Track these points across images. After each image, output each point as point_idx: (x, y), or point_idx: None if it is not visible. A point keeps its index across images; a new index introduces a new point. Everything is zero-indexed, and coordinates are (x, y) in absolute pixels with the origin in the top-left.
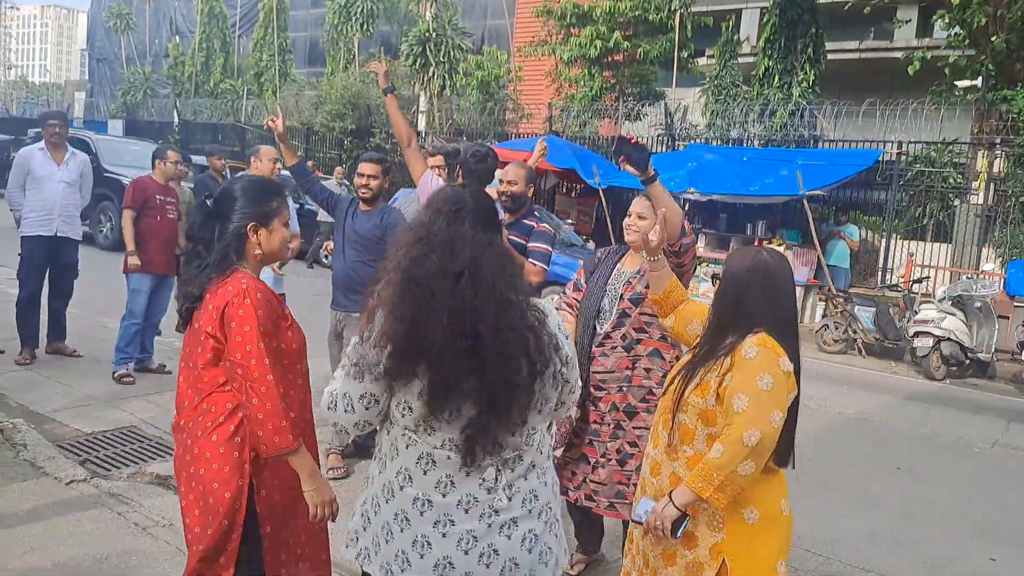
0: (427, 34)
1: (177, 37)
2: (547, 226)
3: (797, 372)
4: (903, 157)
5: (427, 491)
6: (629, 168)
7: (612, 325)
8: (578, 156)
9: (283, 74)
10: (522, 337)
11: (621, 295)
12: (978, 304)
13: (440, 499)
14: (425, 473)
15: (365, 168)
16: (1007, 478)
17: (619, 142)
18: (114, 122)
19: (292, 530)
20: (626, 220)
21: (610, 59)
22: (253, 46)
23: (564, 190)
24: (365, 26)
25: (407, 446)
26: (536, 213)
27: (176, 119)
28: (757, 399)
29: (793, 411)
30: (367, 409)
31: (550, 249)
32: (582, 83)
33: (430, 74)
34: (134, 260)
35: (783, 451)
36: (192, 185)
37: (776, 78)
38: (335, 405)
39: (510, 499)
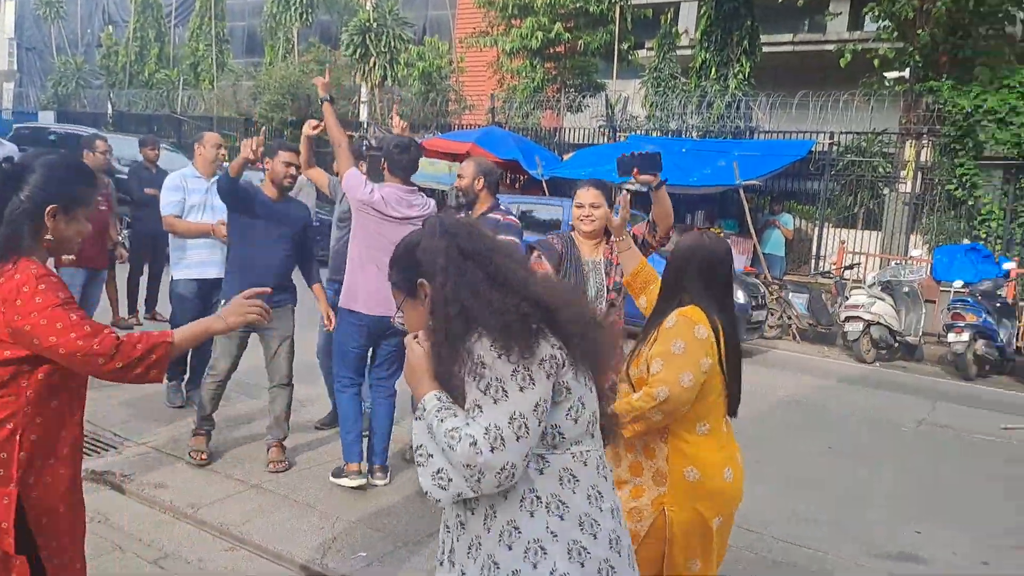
0: (367, 24)
1: (110, 26)
2: (513, 218)
3: (735, 335)
4: (835, 147)
5: (612, 497)
6: (642, 179)
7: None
8: (521, 147)
9: (220, 64)
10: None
11: (607, 287)
12: (906, 289)
13: (615, 500)
14: (607, 479)
15: (290, 157)
16: (933, 455)
17: (621, 160)
18: (45, 113)
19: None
20: (577, 212)
21: (552, 51)
22: (189, 36)
23: (508, 181)
24: (304, 15)
25: (585, 463)
26: (502, 207)
27: (110, 110)
28: (669, 361)
29: (736, 367)
30: (540, 423)
31: (518, 242)
32: (524, 74)
33: (371, 64)
34: (68, 255)
35: (732, 403)
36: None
37: (713, 70)
38: (499, 441)
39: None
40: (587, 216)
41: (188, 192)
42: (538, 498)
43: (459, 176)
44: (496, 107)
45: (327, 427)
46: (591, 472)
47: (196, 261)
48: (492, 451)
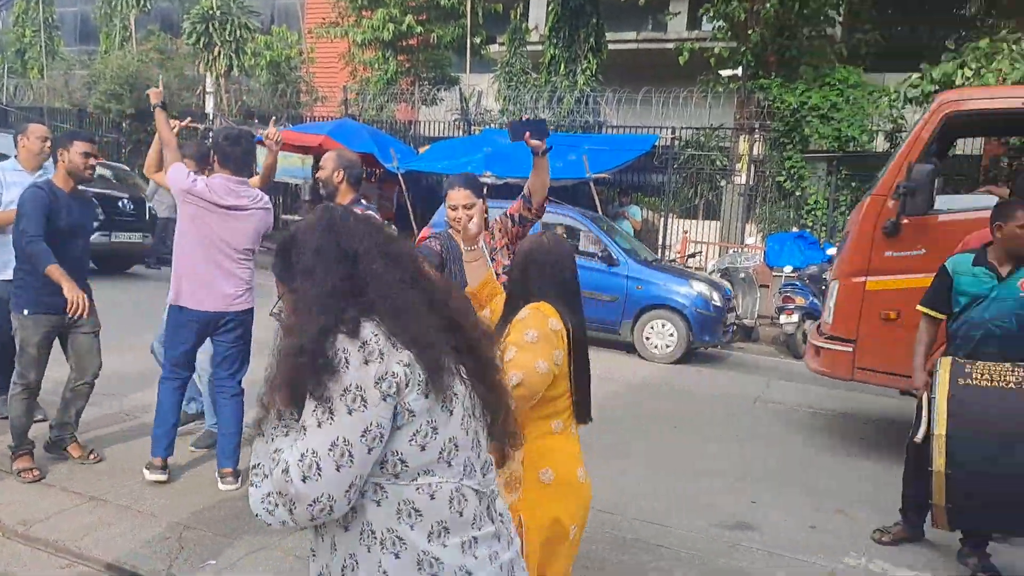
0: (210, 12)
1: None
2: (372, 213)
3: (583, 336)
4: (677, 142)
5: (468, 531)
6: (533, 143)
7: None
8: (376, 140)
9: (50, 52)
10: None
11: (495, 272)
12: (742, 275)
13: (479, 532)
14: (462, 514)
15: (88, 147)
16: (767, 429)
17: (513, 125)
18: None
19: None
20: (451, 213)
21: (404, 43)
22: (14, 21)
23: (364, 175)
24: (141, 1)
25: (433, 496)
26: (363, 201)
27: None
28: (522, 348)
29: (584, 370)
30: (371, 451)
31: None
32: (377, 66)
33: (215, 54)
34: None
35: (583, 409)
36: None
37: (562, 66)
38: (314, 470)
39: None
40: (459, 219)
41: (6, 186)
42: (373, 533)
43: (320, 167)
44: (349, 99)
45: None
46: (440, 506)
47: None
48: (304, 481)
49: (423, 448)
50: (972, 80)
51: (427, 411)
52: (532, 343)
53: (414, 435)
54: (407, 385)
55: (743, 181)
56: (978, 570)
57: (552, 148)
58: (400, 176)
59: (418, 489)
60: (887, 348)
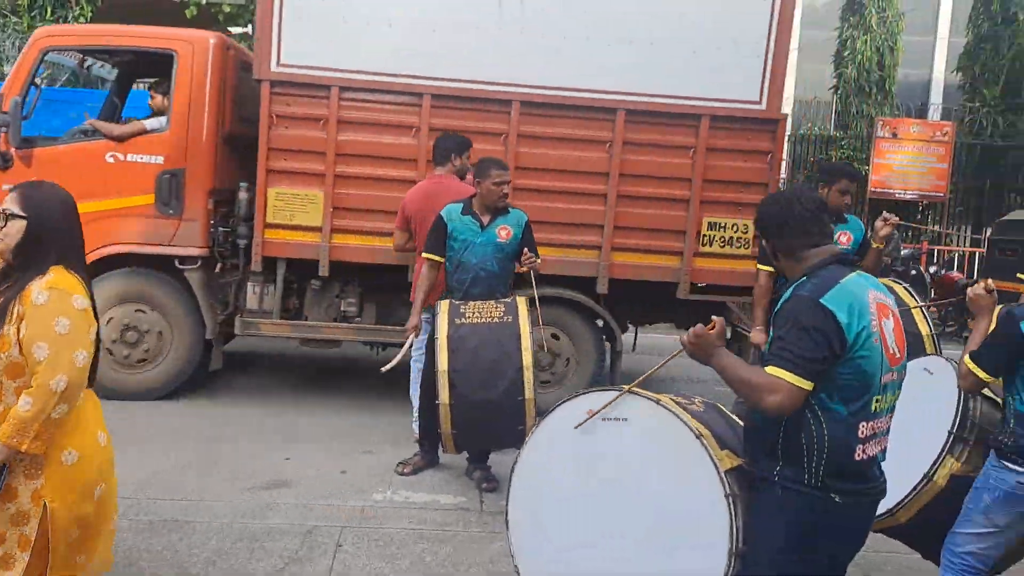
0: None
1: None
2: None
3: (94, 304)
4: None
5: None
6: None
7: None
8: None
9: None
10: None
11: None
12: None
13: None
14: None
15: None
16: (305, 384)
17: None
18: None
19: None
20: None
21: None
22: None
23: None
24: None
25: None
26: None
27: None
28: (57, 345)
29: (99, 340)
30: None
31: None
32: None
33: None
34: None
35: (92, 373)
36: None
37: (49, 11)
38: None
39: None
40: None
41: None
42: None
43: None
44: None
45: None
46: None
47: None
48: None
49: None
50: None
51: None
52: (65, 335)
53: None
54: None
55: None
56: (482, 480)
57: None
58: None
59: None
60: None
